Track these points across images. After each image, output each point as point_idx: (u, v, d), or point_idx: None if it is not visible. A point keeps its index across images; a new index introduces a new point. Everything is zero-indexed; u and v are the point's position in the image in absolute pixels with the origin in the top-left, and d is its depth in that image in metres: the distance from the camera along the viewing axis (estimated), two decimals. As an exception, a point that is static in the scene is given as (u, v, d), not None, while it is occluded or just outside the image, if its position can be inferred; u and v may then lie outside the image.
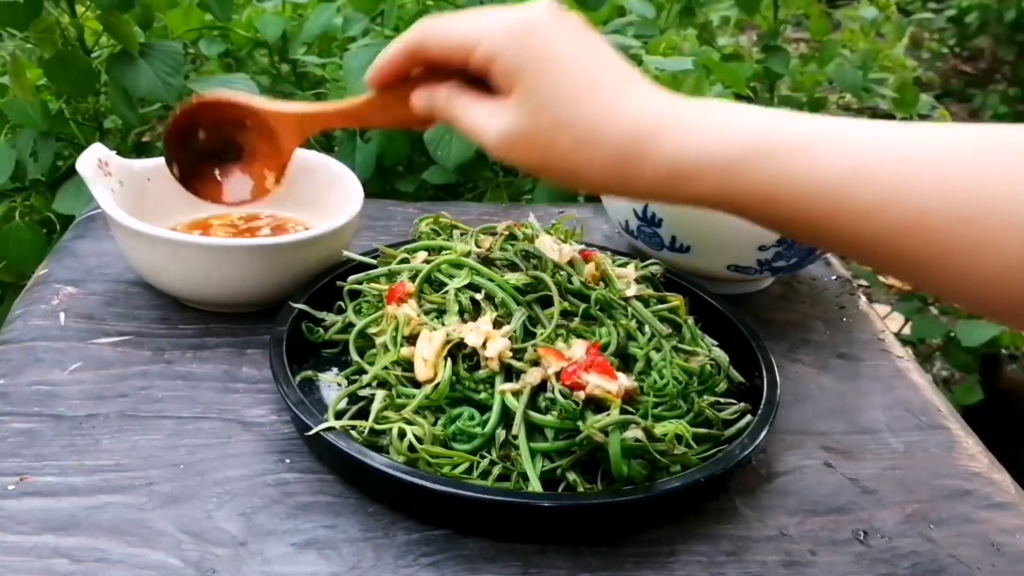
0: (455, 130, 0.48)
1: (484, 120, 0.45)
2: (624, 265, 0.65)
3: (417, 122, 0.51)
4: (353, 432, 0.51)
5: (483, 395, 0.52)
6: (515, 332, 0.54)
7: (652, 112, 0.42)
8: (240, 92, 0.60)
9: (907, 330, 1.34)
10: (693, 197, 0.42)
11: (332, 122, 0.58)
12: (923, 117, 1.60)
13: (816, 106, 1.45)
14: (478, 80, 0.45)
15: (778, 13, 1.37)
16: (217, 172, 0.59)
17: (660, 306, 0.60)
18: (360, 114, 0.54)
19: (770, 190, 0.40)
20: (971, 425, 0.63)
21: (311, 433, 0.49)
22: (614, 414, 0.49)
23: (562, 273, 0.59)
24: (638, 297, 0.60)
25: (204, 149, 0.58)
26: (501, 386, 0.51)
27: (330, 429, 0.50)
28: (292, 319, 0.60)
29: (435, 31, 0.46)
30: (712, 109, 0.42)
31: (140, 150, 1.11)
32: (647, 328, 0.58)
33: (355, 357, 0.58)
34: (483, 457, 0.50)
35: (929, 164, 0.37)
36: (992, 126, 0.37)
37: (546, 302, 0.57)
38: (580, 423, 0.49)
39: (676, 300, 0.61)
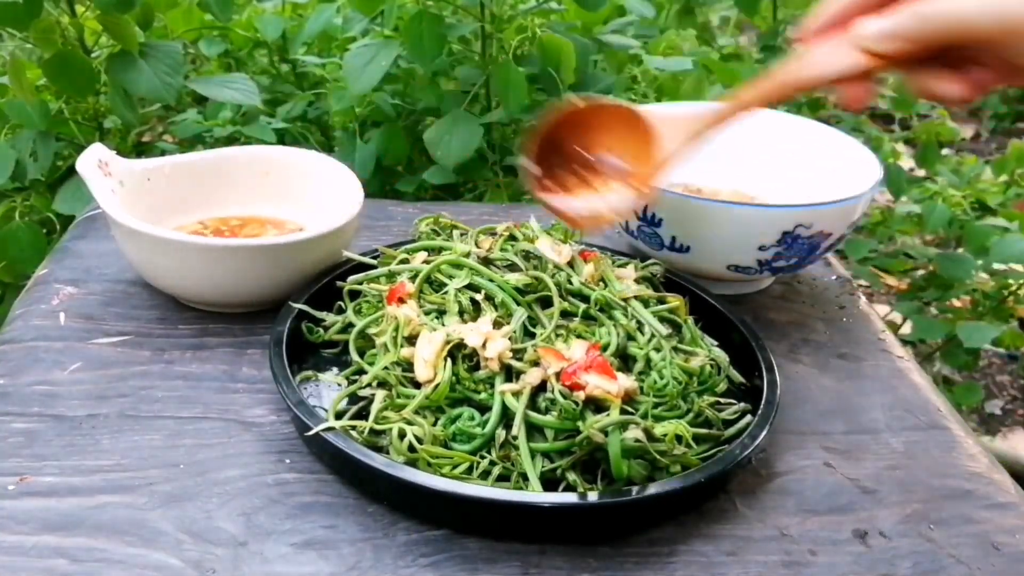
0: (926, 30, 0.41)
1: None
2: (624, 265, 0.65)
3: (857, 70, 0.43)
4: (353, 432, 0.51)
5: (483, 395, 0.52)
6: (515, 333, 0.54)
7: None
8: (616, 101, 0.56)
9: (907, 329, 1.34)
10: None
11: (745, 102, 0.48)
12: (923, 117, 1.60)
13: (815, 106, 1.45)
14: None
15: (778, 13, 1.37)
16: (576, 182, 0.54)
17: (660, 307, 0.60)
18: (781, 76, 0.46)
19: None
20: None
21: (311, 433, 0.49)
22: (614, 414, 0.49)
23: (562, 274, 0.59)
24: (637, 297, 0.60)
25: (566, 161, 0.54)
26: (501, 386, 0.51)
27: (330, 429, 0.50)
28: (292, 319, 0.60)
29: None
30: None
31: (140, 150, 1.11)
32: (647, 328, 0.58)
33: (355, 357, 0.58)
34: (483, 457, 0.50)
35: None
36: None
37: (546, 302, 0.57)
38: (580, 423, 0.49)
39: (675, 301, 0.61)
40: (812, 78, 0.44)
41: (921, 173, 1.49)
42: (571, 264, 0.60)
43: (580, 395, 0.50)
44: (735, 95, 0.48)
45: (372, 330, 0.58)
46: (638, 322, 0.58)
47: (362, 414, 0.53)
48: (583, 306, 0.57)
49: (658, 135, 0.51)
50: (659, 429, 0.50)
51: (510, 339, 0.53)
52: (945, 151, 1.79)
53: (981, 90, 0.43)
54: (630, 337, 0.56)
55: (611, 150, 0.53)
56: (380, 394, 0.53)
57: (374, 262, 0.64)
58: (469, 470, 0.49)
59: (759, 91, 0.47)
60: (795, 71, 0.45)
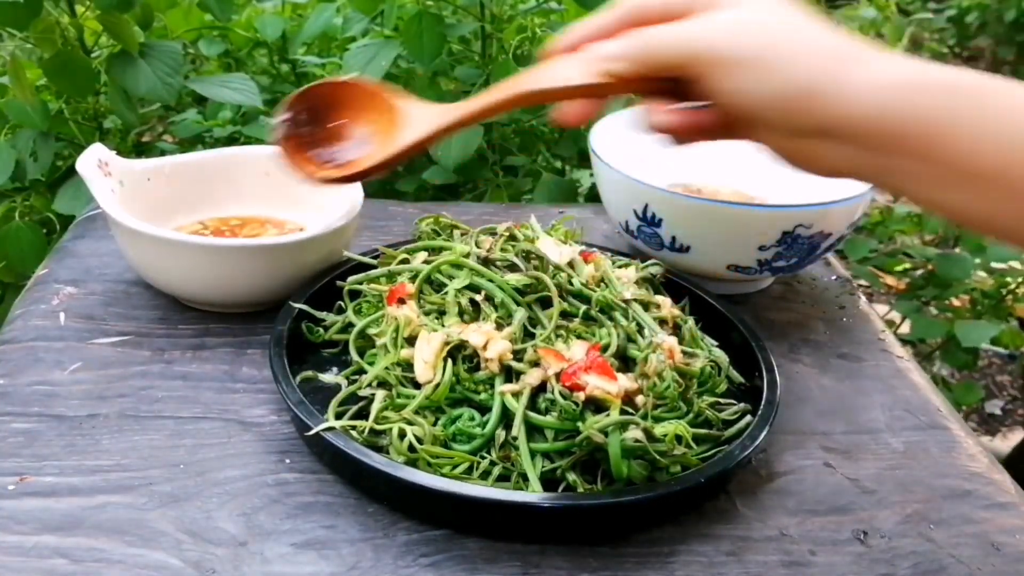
0: (646, 64, 0.43)
1: (684, 26, 0.42)
2: (624, 266, 0.65)
3: (578, 91, 0.45)
4: (353, 432, 0.51)
5: (483, 396, 0.52)
6: (515, 333, 0.54)
7: (870, 43, 0.41)
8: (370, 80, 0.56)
9: (906, 328, 1.34)
10: (901, 121, 0.38)
11: (485, 106, 0.49)
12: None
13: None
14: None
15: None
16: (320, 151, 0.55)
17: (654, 312, 0.60)
18: (516, 85, 0.47)
19: (995, 125, 0.37)
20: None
21: (311, 433, 0.49)
22: (614, 415, 0.49)
23: (562, 274, 0.59)
24: (636, 300, 0.60)
25: (316, 129, 0.55)
26: (501, 387, 0.51)
27: (330, 429, 0.50)
28: (292, 319, 0.60)
29: None
30: None
31: (140, 150, 1.11)
32: (647, 330, 0.58)
33: (355, 357, 0.58)
34: (483, 457, 0.50)
35: None
36: None
37: (546, 303, 0.57)
38: (580, 424, 0.49)
39: (665, 311, 0.60)
40: (545, 88, 0.46)
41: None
42: (571, 265, 0.60)
43: (580, 396, 0.50)
44: (477, 97, 0.49)
45: (372, 330, 0.58)
46: (638, 324, 0.58)
47: (362, 414, 0.53)
48: (583, 307, 0.57)
49: (404, 122, 0.52)
50: (659, 429, 0.50)
51: (511, 340, 0.53)
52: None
53: (697, 132, 0.44)
54: (630, 339, 0.56)
55: (363, 127, 0.54)
56: (380, 394, 0.53)
57: (374, 262, 0.64)
58: (469, 470, 0.49)
59: (498, 95, 0.48)
60: (532, 80, 0.46)
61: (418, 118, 0.52)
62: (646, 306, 0.60)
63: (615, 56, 0.44)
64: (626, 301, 0.59)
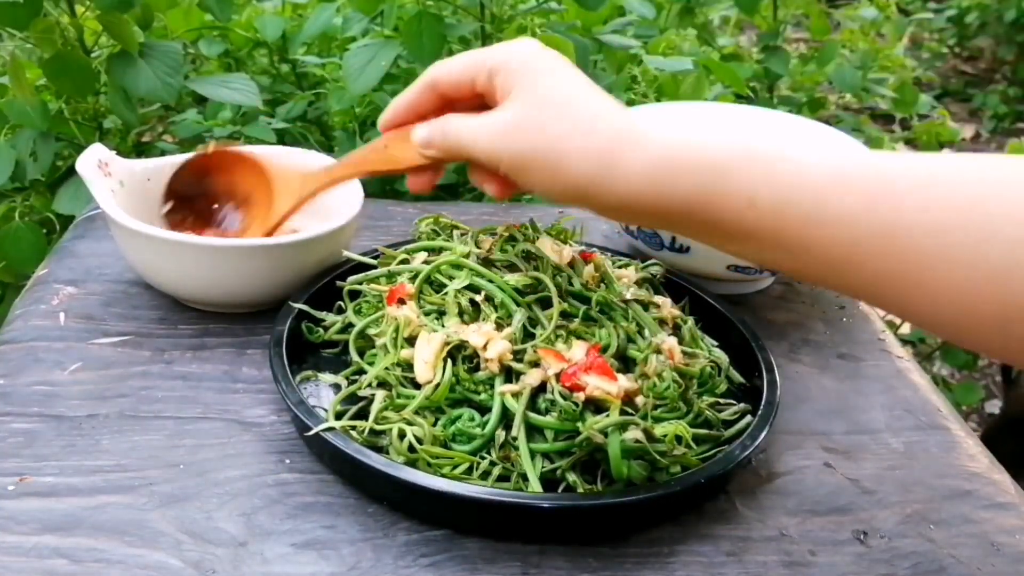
0: (457, 156, 0.50)
1: (478, 123, 0.48)
2: (625, 266, 0.65)
3: (414, 164, 0.53)
4: (353, 432, 0.51)
5: (483, 396, 0.52)
6: (515, 334, 0.54)
7: (644, 117, 0.46)
8: (253, 149, 0.64)
9: (906, 329, 1.34)
10: (670, 199, 0.43)
11: (333, 177, 0.58)
12: (922, 117, 1.60)
13: (816, 106, 1.45)
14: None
15: (778, 13, 1.37)
16: (212, 216, 0.64)
17: (654, 312, 0.60)
18: (360, 160, 0.56)
19: (752, 192, 0.41)
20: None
21: (311, 433, 0.49)
22: (613, 415, 0.49)
23: (562, 275, 0.59)
24: (636, 300, 0.60)
25: (205, 196, 0.64)
26: (501, 387, 0.51)
27: (330, 429, 0.50)
28: (292, 319, 0.60)
29: (445, 63, 0.50)
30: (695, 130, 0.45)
31: (140, 150, 1.11)
32: (647, 331, 0.58)
33: (355, 357, 0.58)
34: (483, 458, 0.50)
35: (911, 179, 0.38)
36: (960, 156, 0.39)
37: (546, 303, 0.57)
38: (580, 424, 0.49)
39: (665, 311, 0.60)
40: (388, 168, 0.54)
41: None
42: (571, 265, 0.60)
43: (580, 396, 0.50)
44: (331, 170, 0.58)
45: (372, 330, 0.58)
46: (638, 324, 0.58)
47: (362, 414, 0.53)
48: (583, 307, 0.57)
49: (275, 191, 0.61)
50: (659, 430, 0.50)
51: (511, 341, 0.53)
52: (945, 151, 1.79)
53: (512, 189, 0.50)
54: (630, 339, 0.56)
55: (245, 192, 0.63)
56: (380, 394, 0.53)
57: (374, 262, 0.64)
58: (469, 470, 0.49)
59: (348, 170, 0.57)
60: (378, 160, 0.54)
61: (283, 188, 0.60)
62: (646, 306, 0.60)
63: (426, 145, 0.51)
64: (626, 301, 0.59)
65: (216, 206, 0.64)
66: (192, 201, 0.65)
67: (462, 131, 0.49)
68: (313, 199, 0.60)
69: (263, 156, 0.62)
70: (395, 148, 0.53)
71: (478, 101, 0.50)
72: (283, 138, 1.10)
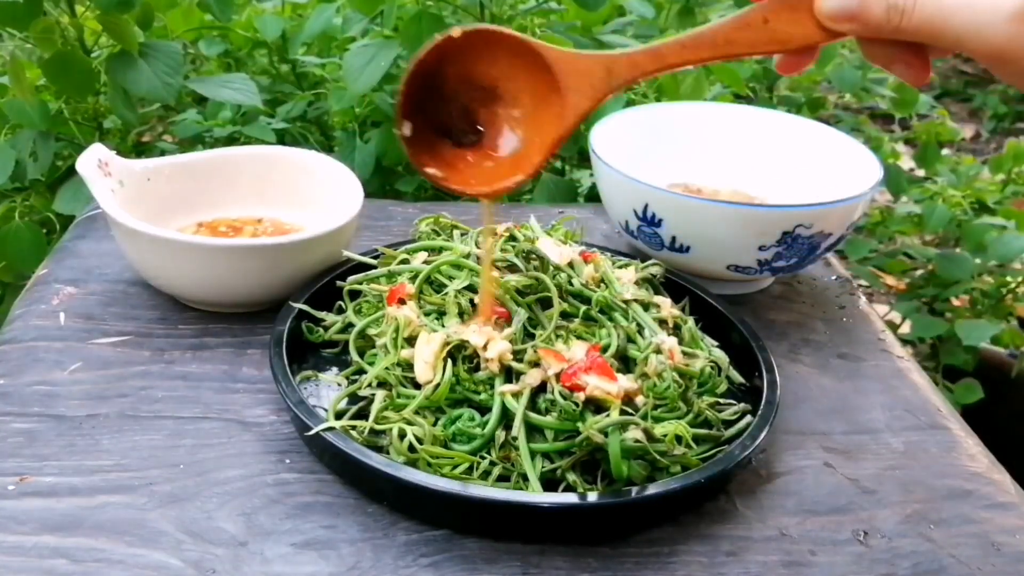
0: (899, 35, 0.39)
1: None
2: (624, 266, 0.65)
3: (806, 43, 0.41)
4: (353, 432, 0.51)
5: (483, 396, 0.52)
6: (515, 334, 0.54)
7: None
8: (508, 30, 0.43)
9: (906, 329, 1.34)
10: None
11: (666, 60, 0.42)
12: (922, 117, 1.60)
13: (815, 106, 1.45)
14: None
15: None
16: (462, 142, 0.45)
17: (654, 312, 0.60)
18: (724, 39, 0.41)
19: None
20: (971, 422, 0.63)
21: (311, 433, 0.49)
22: (613, 415, 0.49)
23: (562, 275, 0.59)
24: (636, 300, 0.60)
25: (448, 110, 0.45)
26: (501, 387, 0.51)
27: (330, 429, 0.50)
28: (292, 319, 0.60)
29: None
30: None
31: (140, 150, 1.11)
32: (647, 331, 0.58)
33: (355, 357, 0.58)
34: (483, 458, 0.50)
35: None
36: None
37: (546, 303, 0.57)
38: (580, 424, 0.49)
39: (664, 311, 0.60)
40: (766, 50, 0.41)
41: (921, 173, 1.49)
42: (571, 265, 0.60)
43: (580, 396, 0.50)
44: (662, 46, 0.42)
45: (372, 330, 0.58)
46: (638, 324, 0.58)
47: (362, 414, 0.53)
48: (583, 308, 0.57)
49: (563, 84, 0.43)
50: (659, 430, 0.50)
51: (511, 341, 0.53)
52: (945, 151, 1.79)
53: (929, 69, 0.41)
54: (630, 339, 0.56)
55: (502, 93, 0.44)
56: (380, 394, 0.53)
57: (374, 262, 0.64)
58: (469, 470, 0.49)
59: (699, 50, 0.41)
60: (752, 41, 0.41)
61: (574, 77, 0.42)
62: (645, 307, 0.60)
63: (851, 17, 0.39)
64: (626, 302, 0.59)
65: (473, 116, 0.46)
66: (436, 113, 0.46)
67: (952, 4, 0.38)
68: (628, 87, 0.43)
69: (534, 40, 0.43)
70: (780, 21, 0.40)
71: None
72: (283, 138, 1.10)
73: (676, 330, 0.60)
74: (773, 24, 0.40)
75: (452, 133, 0.45)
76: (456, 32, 0.43)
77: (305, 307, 0.61)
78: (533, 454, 0.50)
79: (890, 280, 1.60)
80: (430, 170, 0.46)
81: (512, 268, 0.59)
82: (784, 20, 0.40)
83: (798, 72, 0.44)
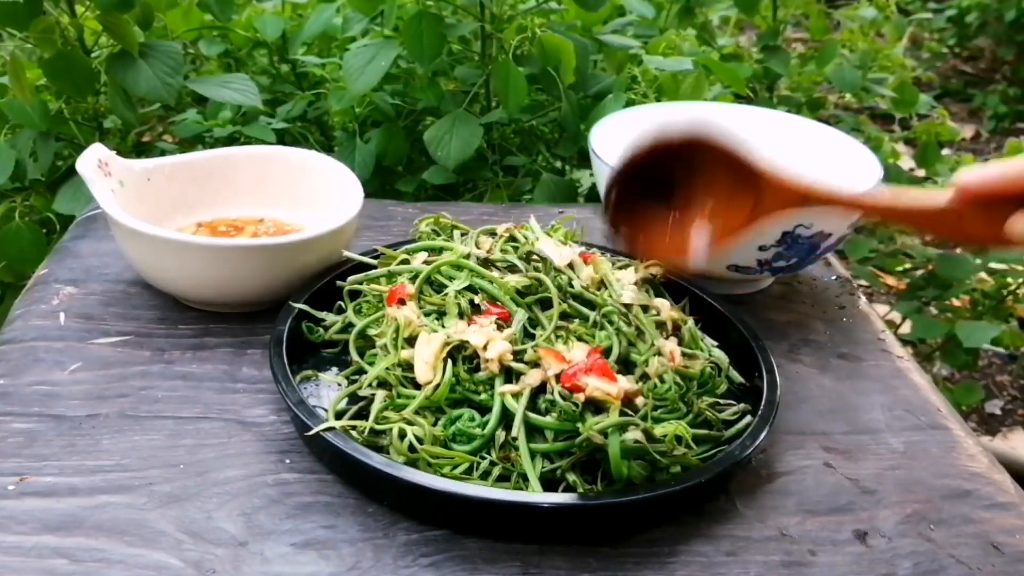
0: None
1: None
2: (625, 267, 0.65)
3: (985, 242, 0.44)
4: (353, 432, 0.51)
5: (483, 396, 0.52)
6: (515, 334, 0.54)
7: None
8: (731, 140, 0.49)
9: (906, 329, 1.34)
10: None
11: (868, 209, 0.48)
12: (922, 117, 1.60)
13: (815, 106, 1.45)
14: None
15: (777, 13, 1.37)
16: (666, 217, 0.50)
17: (653, 315, 0.60)
18: (920, 215, 0.45)
19: None
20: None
21: (311, 433, 0.49)
22: (613, 416, 0.49)
23: (563, 276, 0.59)
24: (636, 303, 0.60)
25: (655, 188, 0.50)
26: (501, 388, 0.51)
27: (330, 429, 0.50)
28: (292, 319, 0.60)
29: None
30: None
31: (140, 150, 1.11)
32: (647, 335, 0.58)
33: (355, 357, 0.58)
34: (483, 458, 0.50)
35: None
36: None
37: (546, 304, 0.57)
38: (579, 425, 0.49)
39: (664, 313, 0.60)
40: (944, 235, 0.47)
41: (921, 173, 1.49)
42: (571, 266, 0.60)
43: (580, 397, 0.50)
44: (864, 195, 0.47)
45: (372, 331, 0.58)
46: (638, 328, 0.58)
47: (362, 414, 0.53)
48: (584, 310, 0.57)
49: (763, 191, 0.48)
50: (659, 430, 0.50)
51: (511, 341, 0.53)
52: (945, 151, 1.79)
53: None
54: (631, 343, 0.56)
55: (699, 186, 0.49)
56: (380, 394, 0.53)
57: (374, 262, 0.64)
58: (469, 470, 0.49)
59: (886, 210, 0.46)
60: (937, 224, 0.45)
61: (775, 188, 0.47)
62: (644, 309, 0.60)
63: None
64: (627, 306, 0.59)
65: (674, 204, 0.51)
66: (639, 195, 0.51)
67: None
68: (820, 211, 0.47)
69: (749, 152, 0.48)
70: (974, 223, 0.43)
71: None
72: (283, 138, 1.10)
73: (676, 331, 0.60)
74: (965, 225, 0.43)
75: (651, 206, 0.51)
76: (676, 138, 0.49)
77: (305, 307, 0.61)
78: (533, 454, 0.50)
79: (890, 280, 1.60)
80: (624, 230, 0.51)
81: (512, 269, 0.59)
82: (976, 223, 0.43)
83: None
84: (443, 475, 0.49)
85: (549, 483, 0.49)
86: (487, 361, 0.52)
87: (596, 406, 0.50)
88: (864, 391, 0.64)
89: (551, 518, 0.48)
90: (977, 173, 0.43)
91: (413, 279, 0.59)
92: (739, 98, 1.21)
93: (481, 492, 0.47)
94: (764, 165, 0.48)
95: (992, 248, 0.45)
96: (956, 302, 1.34)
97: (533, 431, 0.50)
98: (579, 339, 0.55)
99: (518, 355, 0.53)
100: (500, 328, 0.54)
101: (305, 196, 0.73)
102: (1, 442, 0.53)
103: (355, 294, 0.63)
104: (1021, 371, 1.69)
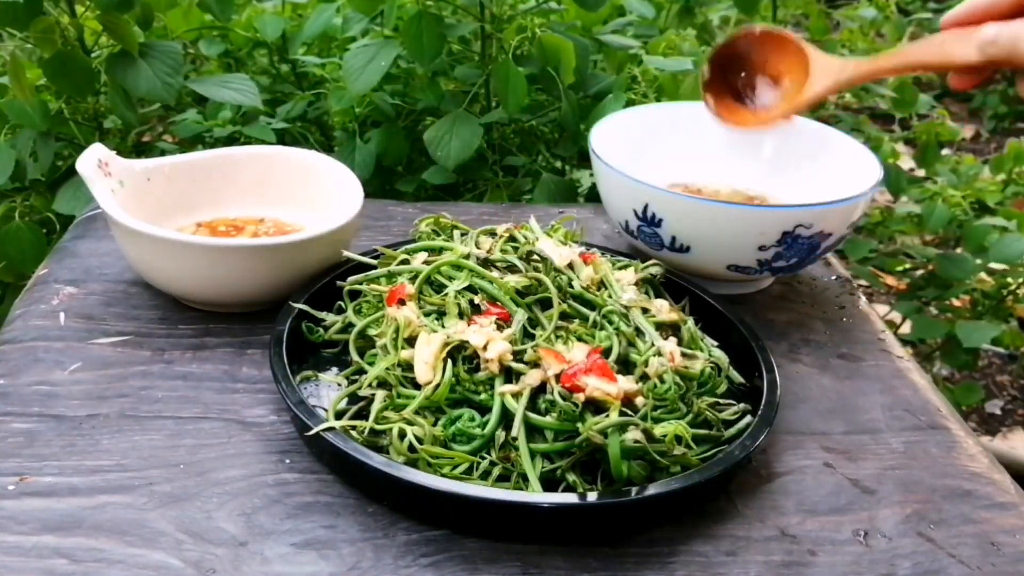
0: (1019, 64, 0.50)
1: None
2: (625, 267, 0.65)
3: (966, 62, 0.53)
4: (353, 432, 0.51)
5: (483, 396, 0.52)
6: (515, 335, 0.54)
7: None
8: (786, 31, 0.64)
9: (906, 329, 1.34)
10: None
11: (879, 67, 0.58)
12: (922, 117, 1.60)
13: (815, 106, 1.44)
14: None
15: (777, 13, 1.37)
16: (743, 96, 0.65)
17: (653, 316, 0.60)
18: (911, 55, 0.56)
19: None
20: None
21: (311, 433, 0.49)
22: (613, 416, 0.49)
23: (563, 276, 0.59)
24: (633, 305, 0.60)
25: (740, 76, 0.64)
26: (501, 388, 0.51)
27: (330, 429, 0.50)
28: (292, 319, 0.60)
29: None
30: None
31: (140, 150, 1.11)
32: (647, 335, 0.58)
33: (355, 357, 0.58)
34: (483, 458, 0.50)
35: None
36: None
37: (546, 304, 0.57)
38: (579, 425, 0.49)
39: (663, 314, 0.60)
40: (939, 63, 0.54)
41: (921, 173, 1.49)
42: (571, 266, 0.60)
43: (580, 397, 0.50)
44: (875, 59, 0.58)
45: (372, 331, 0.58)
46: (637, 328, 0.58)
47: (362, 414, 0.53)
48: (584, 310, 0.57)
49: (811, 72, 0.60)
50: (659, 430, 0.50)
51: (511, 342, 0.53)
52: (945, 151, 1.79)
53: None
54: (630, 344, 0.56)
55: (778, 70, 0.63)
56: (380, 394, 0.53)
57: (374, 262, 0.64)
58: (469, 470, 0.49)
59: (891, 61, 0.57)
60: (931, 54, 0.55)
61: (821, 69, 0.60)
62: (644, 309, 0.60)
63: (991, 42, 0.51)
64: (626, 307, 0.59)
65: (753, 80, 0.65)
66: (728, 73, 0.65)
67: None
68: (851, 87, 0.63)
69: (803, 41, 0.63)
70: (952, 44, 0.53)
71: None
72: (283, 138, 1.10)
73: (676, 331, 0.60)
74: (947, 46, 0.53)
75: (738, 92, 0.65)
76: (757, 29, 0.64)
77: (305, 307, 0.61)
78: (533, 454, 0.50)
79: (890, 280, 1.60)
80: (711, 101, 0.65)
81: (512, 269, 0.59)
82: (954, 43, 0.53)
83: (966, 88, 0.56)
84: (443, 475, 0.49)
85: (549, 483, 0.49)
86: (487, 361, 0.52)
87: (596, 406, 0.50)
88: (864, 391, 0.64)
89: (551, 518, 0.48)
90: (956, 8, 0.53)
91: (413, 279, 0.59)
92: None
93: (481, 492, 0.47)
94: (815, 51, 0.61)
95: (968, 65, 0.53)
96: (956, 302, 1.34)
97: (533, 431, 0.50)
98: (579, 339, 0.55)
99: (518, 355, 0.53)
100: (500, 328, 0.54)
101: (305, 196, 0.73)
102: (1, 442, 0.53)
103: (355, 294, 0.63)
104: (1021, 371, 1.69)
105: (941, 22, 0.54)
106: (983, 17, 0.52)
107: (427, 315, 0.57)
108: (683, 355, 0.57)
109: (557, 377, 0.51)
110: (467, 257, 0.59)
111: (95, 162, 0.66)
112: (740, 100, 0.65)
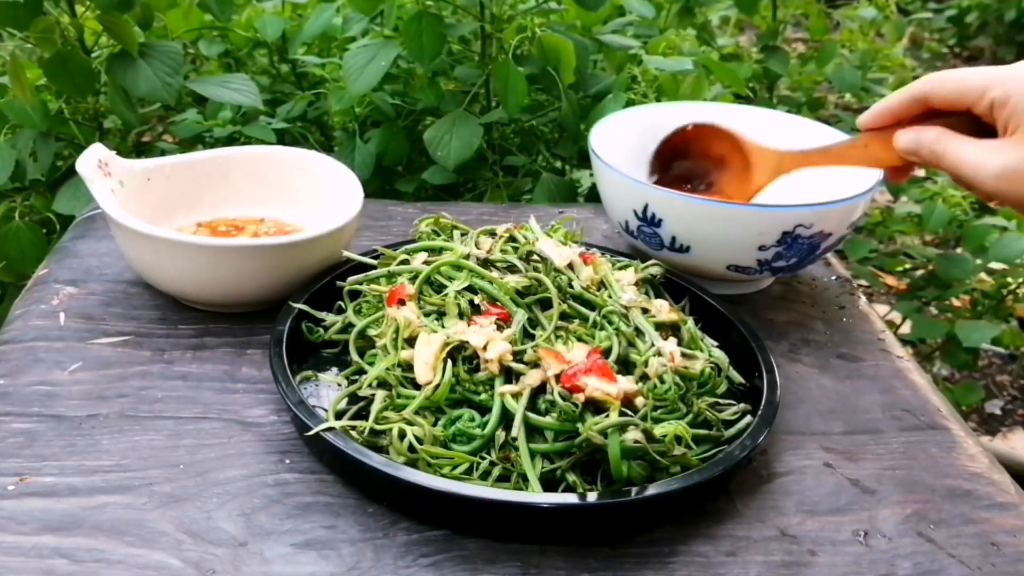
0: (940, 168, 0.52)
1: (980, 157, 0.49)
2: (625, 267, 0.65)
3: (892, 164, 0.57)
4: (353, 432, 0.51)
5: (483, 397, 0.52)
6: (515, 335, 0.54)
7: None
8: (728, 126, 0.68)
9: (906, 329, 1.34)
10: None
11: (811, 161, 0.63)
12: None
13: (815, 106, 1.45)
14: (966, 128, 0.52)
15: (777, 13, 1.37)
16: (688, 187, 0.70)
17: (653, 317, 0.60)
18: (840, 154, 0.61)
19: None
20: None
21: (311, 433, 0.49)
22: (613, 416, 0.49)
23: (563, 277, 0.59)
24: (633, 306, 0.60)
25: (682, 172, 0.70)
26: (501, 388, 0.51)
27: (330, 429, 0.50)
28: (292, 319, 0.60)
29: (938, 77, 0.52)
30: None
31: (140, 150, 1.11)
32: (647, 336, 0.58)
33: (355, 357, 0.58)
34: (483, 458, 0.50)
35: None
36: None
37: (546, 304, 0.57)
38: (579, 425, 0.49)
39: (662, 315, 0.60)
40: (865, 165, 0.59)
41: (921, 173, 1.49)
42: (571, 267, 0.60)
43: (580, 397, 0.50)
44: (807, 154, 0.63)
45: (372, 331, 0.58)
46: (637, 329, 0.58)
47: (362, 414, 0.53)
48: (584, 310, 0.57)
49: (752, 166, 0.66)
50: (659, 430, 0.50)
51: (511, 342, 0.53)
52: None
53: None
54: (630, 344, 0.56)
55: (720, 154, 0.68)
56: (380, 394, 0.53)
57: (374, 262, 0.64)
58: (469, 471, 0.49)
59: (827, 157, 0.62)
60: (857, 157, 0.59)
61: (760, 163, 0.65)
62: (644, 310, 0.60)
63: (912, 152, 0.54)
64: (626, 307, 0.59)
65: (695, 175, 0.70)
66: (671, 170, 0.71)
67: (963, 157, 0.50)
68: (788, 174, 0.65)
69: (739, 132, 0.67)
70: (876, 148, 0.57)
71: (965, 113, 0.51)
72: (283, 138, 1.10)
73: (676, 331, 0.60)
74: (871, 149, 0.57)
75: (686, 178, 0.71)
76: (689, 126, 0.69)
77: (305, 307, 0.61)
78: (533, 454, 0.50)
79: (890, 280, 1.60)
80: None
81: (512, 269, 0.59)
82: (879, 148, 0.57)
83: (901, 182, 0.60)
84: (443, 475, 0.49)
85: (549, 483, 0.49)
86: (487, 361, 0.52)
87: (596, 406, 0.50)
88: (864, 391, 0.64)
89: (551, 518, 0.48)
90: (868, 112, 0.56)
91: (413, 279, 0.59)
92: (739, 98, 1.21)
93: (481, 492, 0.47)
94: (754, 143, 0.65)
95: (895, 166, 0.57)
96: (956, 302, 1.34)
97: (533, 431, 0.50)
98: (579, 339, 0.55)
99: (518, 355, 0.53)
100: (500, 328, 0.54)
101: (305, 196, 0.73)
102: (1, 442, 0.53)
103: (355, 294, 0.63)
104: (1021, 371, 1.69)
105: (858, 122, 0.57)
106: (894, 120, 0.55)
107: (427, 315, 0.57)
108: (683, 355, 0.57)
109: (557, 377, 0.51)
110: (467, 257, 0.59)
111: (95, 162, 0.66)
112: (687, 186, 0.70)
